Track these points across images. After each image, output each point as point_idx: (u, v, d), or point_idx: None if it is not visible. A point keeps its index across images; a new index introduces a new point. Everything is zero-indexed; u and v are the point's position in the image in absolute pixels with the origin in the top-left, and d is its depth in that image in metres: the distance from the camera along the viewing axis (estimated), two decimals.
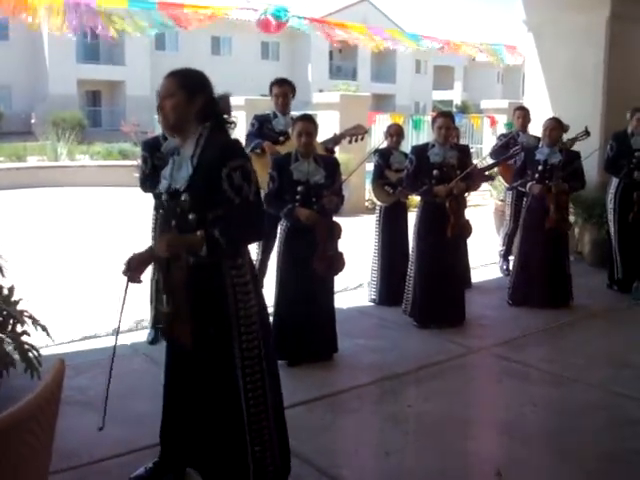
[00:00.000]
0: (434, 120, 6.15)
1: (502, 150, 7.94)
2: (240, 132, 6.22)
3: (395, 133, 6.76)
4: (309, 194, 4.91)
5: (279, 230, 5.15)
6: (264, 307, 3.22)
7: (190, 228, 2.94)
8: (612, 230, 7.52)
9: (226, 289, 3.00)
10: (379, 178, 6.74)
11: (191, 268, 2.96)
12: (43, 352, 4.29)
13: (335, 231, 5.07)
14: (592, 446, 4.00)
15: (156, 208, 4.79)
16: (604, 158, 7.60)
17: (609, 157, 7.45)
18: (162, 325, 3.10)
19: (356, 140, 6.09)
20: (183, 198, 2.95)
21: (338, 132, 6.37)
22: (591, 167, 7.66)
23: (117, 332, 3.14)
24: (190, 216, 2.94)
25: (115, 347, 3.10)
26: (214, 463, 3.15)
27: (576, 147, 7.01)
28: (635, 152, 7.22)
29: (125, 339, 5.48)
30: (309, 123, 4.92)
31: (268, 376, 3.14)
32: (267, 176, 5.02)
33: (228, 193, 2.88)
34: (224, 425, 3.10)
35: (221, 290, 3.00)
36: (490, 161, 8.20)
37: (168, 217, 3.07)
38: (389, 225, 6.74)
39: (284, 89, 6.14)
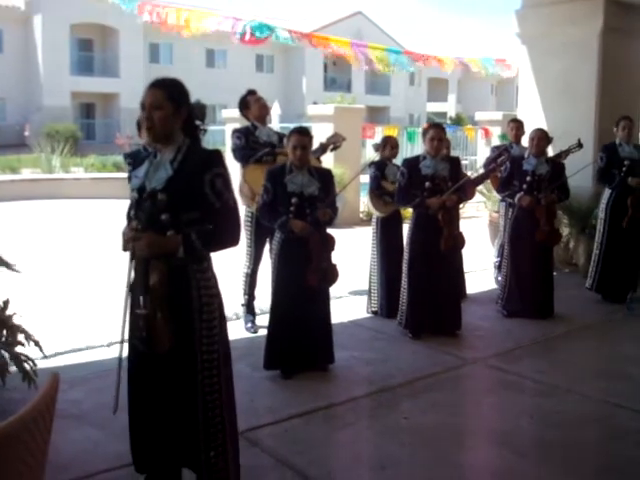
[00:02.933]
0: (425, 132, 6.15)
1: (494, 161, 7.96)
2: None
3: (393, 145, 6.80)
4: (303, 206, 4.92)
5: (274, 242, 5.15)
6: (223, 313, 3.27)
7: (161, 228, 3.01)
8: (599, 240, 7.55)
9: (191, 291, 3.08)
10: (376, 189, 6.75)
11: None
12: (37, 365, 4.27)
13: (329, 243, 5.07)
14: (588, 457, 4.01)
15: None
16: (596, 170, 7.63)
17: (600, 168, 7.50)
18: (136, 328, 3.05)
19: (335, 148, 6.19)
20: (159, 197, 3.02)
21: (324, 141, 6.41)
22: (586, 179, 7.70)
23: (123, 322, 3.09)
24: (163, 216, 3.01)
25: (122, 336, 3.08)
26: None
27: (571, 158, 7.04)
28: (624, 160, 7.28)
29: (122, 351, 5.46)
30: (304, 136, 4.95)
31: (224, 381, 3.20)
32: None
33: (209, 197, 3.03)
34: (181, 427, 3.14)
35: (187, 292, 3.07)
36: (481, 172, 8.22)
37: (138, 215, 3.11)
38: (386, 236, 6.74)
39: (260, 96, 6.29)
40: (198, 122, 3.22)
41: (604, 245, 7.48)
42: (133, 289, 3.07)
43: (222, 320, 3.24)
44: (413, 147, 15.60)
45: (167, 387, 3.14)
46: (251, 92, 6.31)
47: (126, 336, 3.12)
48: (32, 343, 4.26)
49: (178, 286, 3.04)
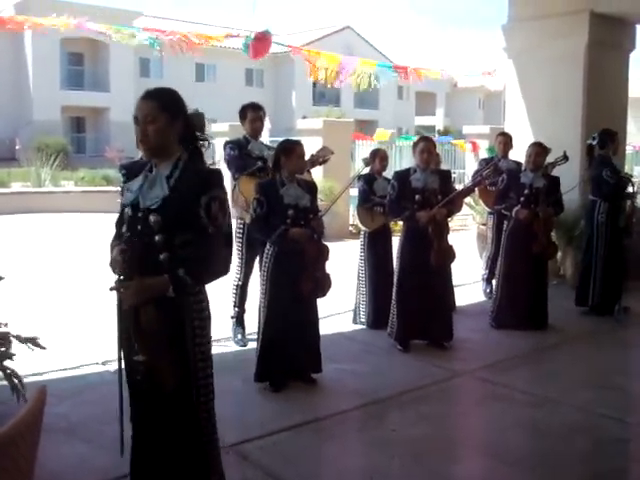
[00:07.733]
0: (415, 145, 6.19)
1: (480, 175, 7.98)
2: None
3: (382, 157, 6.83)
4: (298, 217, 4.97)
5: (265, 255, 5.15)
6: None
7: (156, 249, 2.85)
8: (596, 253, 7.48)
9: (184, 324, 2.92)
10: (364, 203, 6.77)
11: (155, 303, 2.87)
12: (25, 380, 4.25)
13: (324, 252, 5.11)
14: (577, 466, 4.02)
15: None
16: (605, 185, 7.31)
17: (613, 184, 7.26)
18: (139, 375, 2.95)
19: (323, 162, 6.14)
20: (153, 219, 2.85)
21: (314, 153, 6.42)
22: (572, 191, 7.71)
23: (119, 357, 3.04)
24: (157, 237, 2.85)
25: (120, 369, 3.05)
26: None
27: (557, 170, 7.07)
28: (620, 173, 7.40)
29: (109, 366, 5.45)
30: (300, 147, 5.08)
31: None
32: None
33: (203, 220, 2.84)
34: (181, 460, 3.01)
35: (180, 324, 2.92)
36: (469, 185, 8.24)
37: (132, 234, 2.93)
38: (374, 249, 6.77)
39: (261, 114, 6.24)
40: (198, 133, 3.03)
41: (603, 259, 7.43)
42: (126, 337, 2.92)
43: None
44: (401, 160, 15.64)
45: (161, 412, 3.01)
46: (255, 107, 6.23)
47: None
48: (25, 351, 4.23)
49: (172, 317, 2.89)
